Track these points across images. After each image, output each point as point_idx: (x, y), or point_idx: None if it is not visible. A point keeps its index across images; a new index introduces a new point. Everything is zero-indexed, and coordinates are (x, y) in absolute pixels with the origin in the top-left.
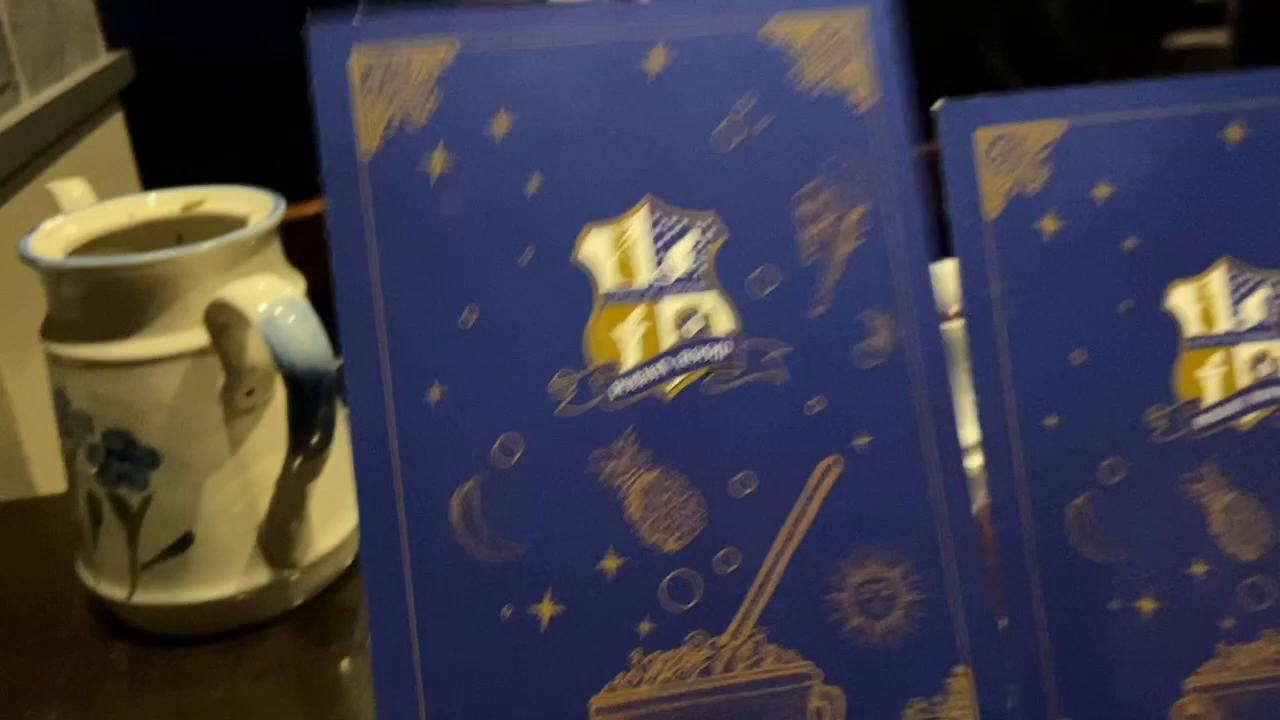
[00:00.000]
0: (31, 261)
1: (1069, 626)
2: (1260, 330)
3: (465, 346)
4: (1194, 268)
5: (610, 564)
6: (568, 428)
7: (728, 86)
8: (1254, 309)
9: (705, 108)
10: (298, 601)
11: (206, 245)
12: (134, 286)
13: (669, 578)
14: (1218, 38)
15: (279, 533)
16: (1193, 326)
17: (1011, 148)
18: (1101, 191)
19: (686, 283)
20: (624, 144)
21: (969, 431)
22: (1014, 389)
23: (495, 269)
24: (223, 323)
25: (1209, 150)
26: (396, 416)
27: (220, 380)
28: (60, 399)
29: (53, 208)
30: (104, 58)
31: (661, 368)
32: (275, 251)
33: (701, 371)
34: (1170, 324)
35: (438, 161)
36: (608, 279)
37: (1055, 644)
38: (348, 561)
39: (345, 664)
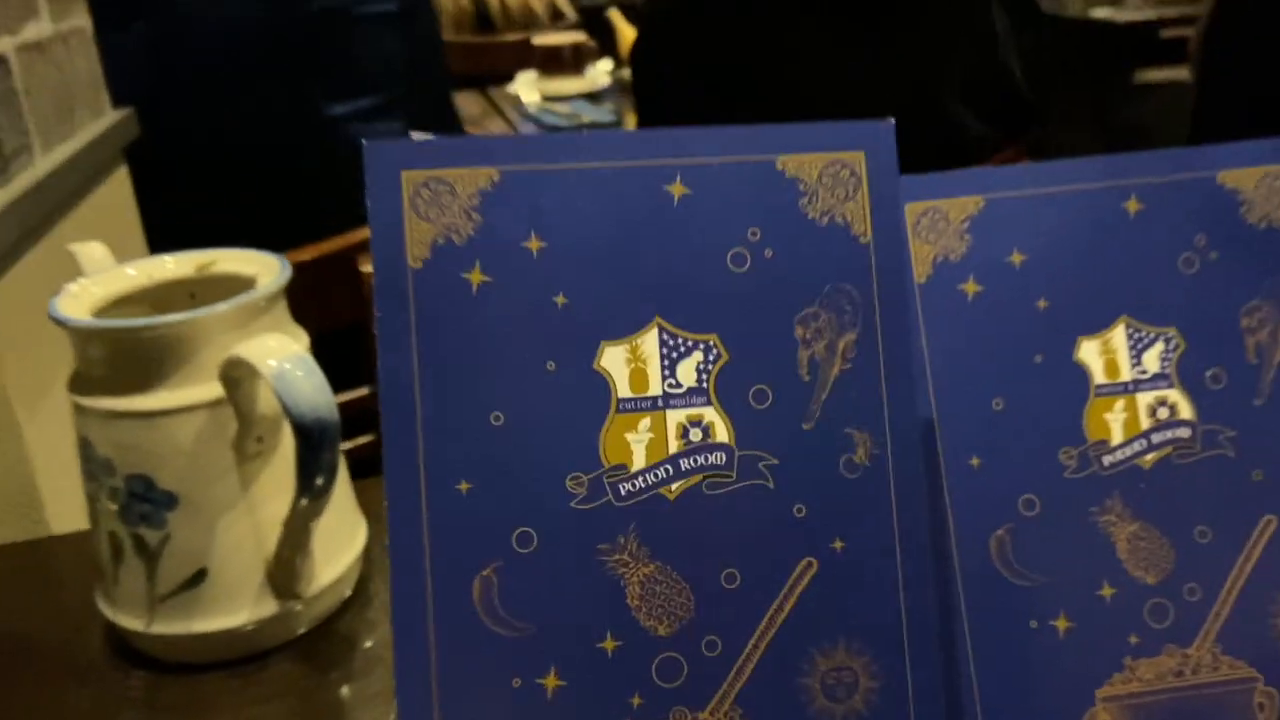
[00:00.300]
0: (61, 322)
1: (992, 644)
2: (1158, 379)
3: (493, 444)
4: (1098, 325)
5: (609, 644)
6: (579, 522)
7: (742, 214)
8: (1152, 361)
9: (719, 234)
10: (301, 630)
11: (221, 307)
12: (155, 344)
13: (659, 658)
14: (1181, 73)
15: (286, 567)
16: (1099, 376)
17: (937, 220)
18: (1016, 258)
19: (691, 396)
20: (640, 268)
21: None
22: (942, 433)
23: (523, 376)
24: (237, 377)
25: (1110, 221)
26: (428, 503)
27: (233, 429)
28: (85, 446)
29: (70, 264)
30: (110, 115)
31: (665, 472)
32: (282, 309)
33: (699, 477)
34: (1080, 374)
35: (476, 276)
36: (623, 389)
37: (979, 659)
38: (347, 593)
39: (346, 690)
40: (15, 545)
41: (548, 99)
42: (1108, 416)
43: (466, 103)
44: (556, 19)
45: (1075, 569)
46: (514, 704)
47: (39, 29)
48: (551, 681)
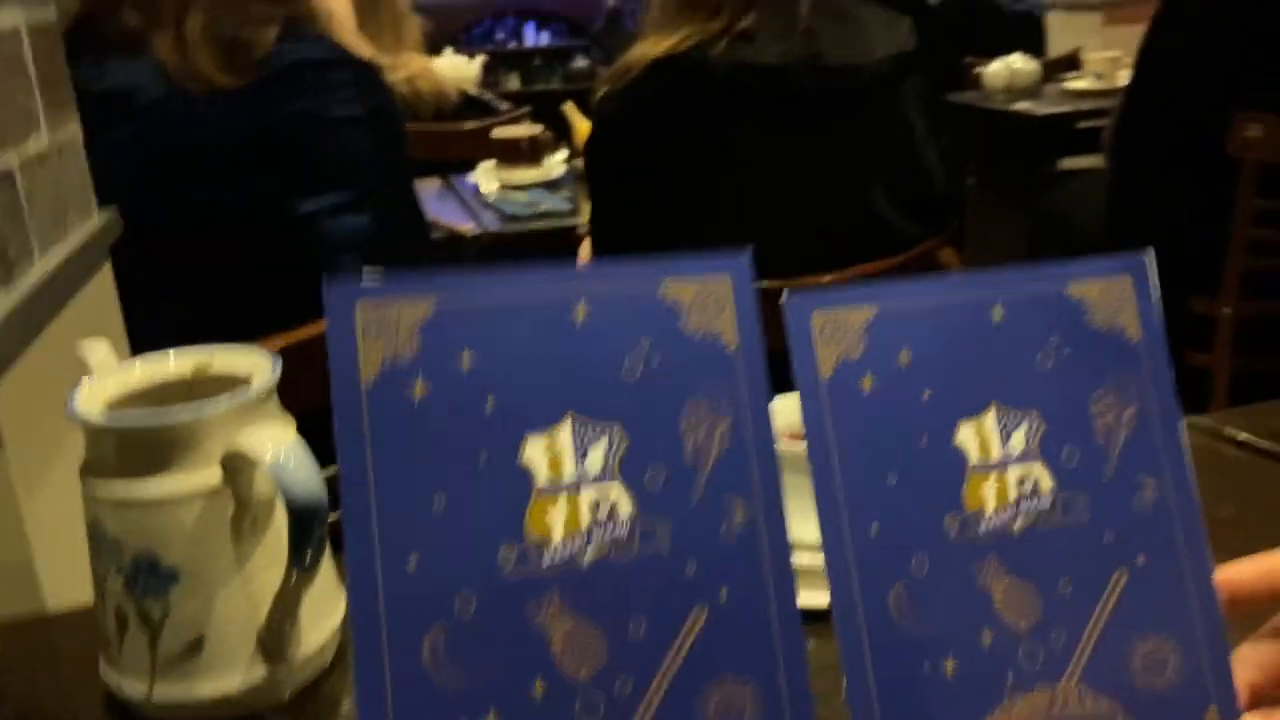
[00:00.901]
0: (81, 421)
1: (893, 683)
2: (1024, 456)
3: (436, 526)
4: (973, 410)
5: (538, 690)
6: (510, 588)
7: (632, 332)
8: (1018, 441)
9: (615, 348)
10: (289, 694)
11: (223, 405)
12: (163, 438)
13: (580, 700)
14: (1098, 161)
15: (277, 633)
16: (974, 456)
17: (838, 326)
18: (904, 357)
19: (599, 479)
20: (554, 374)
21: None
22: (845, 506)
23: (460, 467)
24: (237, 466)
25: (981, 325)
26: (383, 578)
27: (231, 510)
28: (95, 528)
29: (63, 358)
30: (97, 217)
31: (579, 543)
32: (274, 402)
33: (608, 546)
34: (958, 454)
35: (419, 388)
36: (542, 476)
37: (883, 699)
38: (330, 658)
39: None
40: (15, 623)
41: (506, 188)
42: (983, 490)
43: (428, 187)
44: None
45: (959, 619)
46: None
47: (39, 142)
48: None
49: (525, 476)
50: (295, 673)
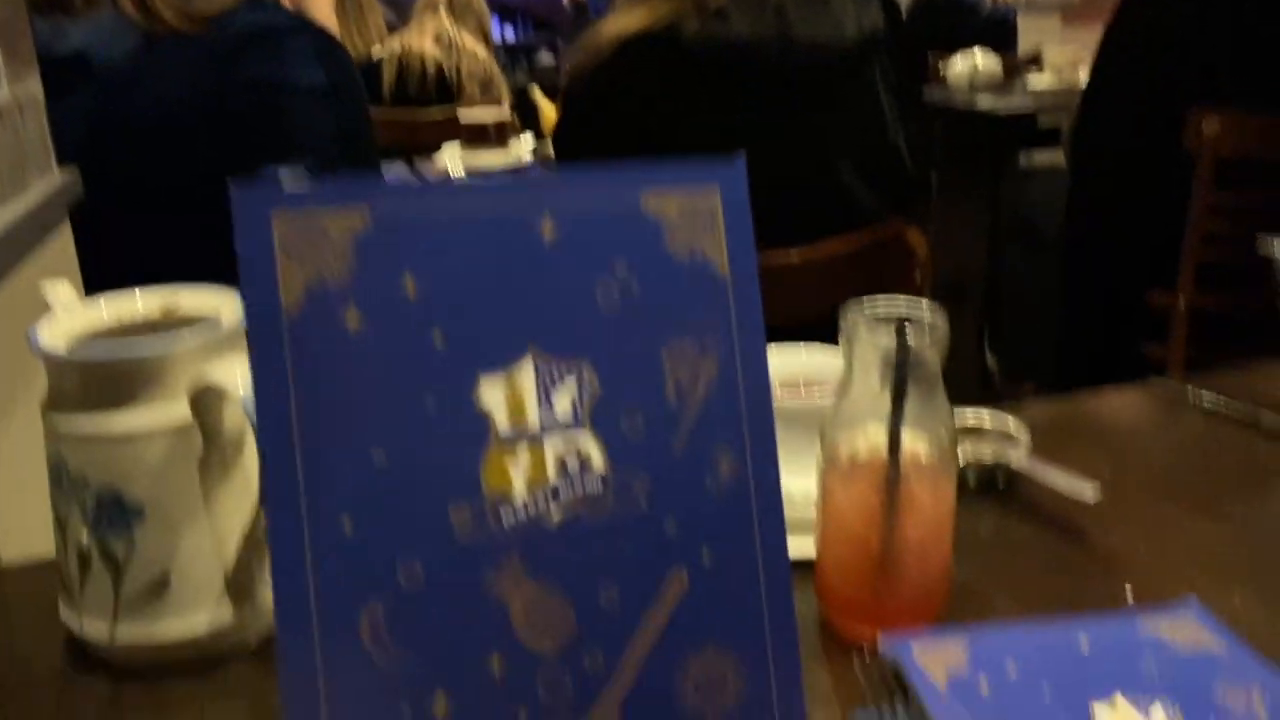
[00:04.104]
0: (42, 354)
1: None
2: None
3: (375, 482)
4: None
5: (496, 665)
6: (464, 553)
7: (608, 252)
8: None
9: (588, 270)
10: (257, 639)
11: (191, 339)
12: (129, 373)
13: (544, 675)
14: (1057, 157)
15: (244, 574)
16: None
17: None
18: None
19: (568, 427)
20: (514, 304)
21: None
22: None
23: (403, 414)
24: (205, 401)
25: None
26: (311, 542)
27: (198, 447)
28: (57, 465)
29: (21, 311)
30: (56, 175)
31: (545, 501)
32: (243, 340)
33: (578, 504)
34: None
35: (353, 319)
36: (502, 423)
37: None
38: None
39: None
40: None
41: (472, 172)
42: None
43: (393, 172)
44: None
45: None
46: None
47: (0, 96)
48: (441, 707)
49: (481, 423)
50: (263, 616)
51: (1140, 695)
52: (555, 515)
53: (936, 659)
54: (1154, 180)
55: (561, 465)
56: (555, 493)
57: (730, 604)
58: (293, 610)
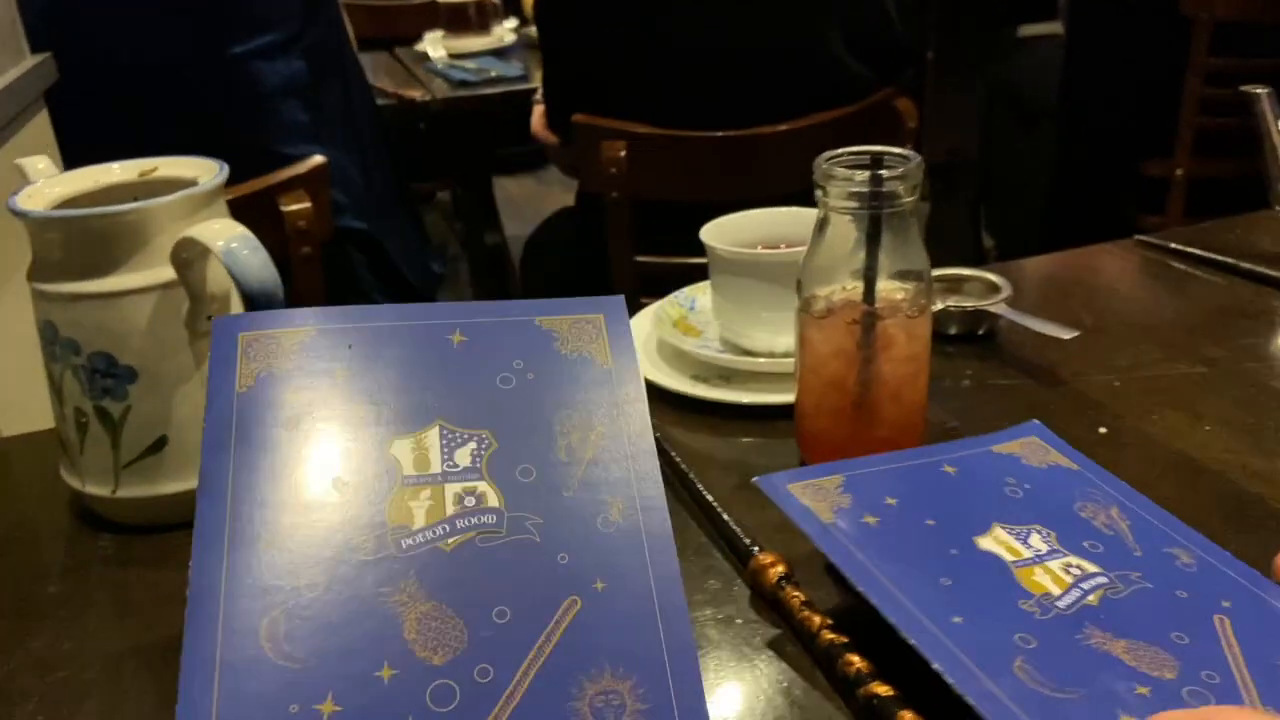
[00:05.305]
0: (21, 215)
1: None
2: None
3: (290, 514)
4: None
5: (385, 673)
6: (362, 569)
7: (508, 354)
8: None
9: (490, 366)
10: None
11: (172, 197)
12: (111, 232)
13: (433, 685)
14: (1055, 28)
15: None
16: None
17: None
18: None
19: (466, 474)
20: (427, 388)
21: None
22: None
23: (323, 463)
24: (187, 257)
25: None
26: (230, 559)
27: (185, 307)
28: (48, 330)
29: (16, 177)
30: (29, 59)
31: (442, 530)
32: (223, 206)
33: (473, 533)
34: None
35: (290, 394)
36: (408, 468)
37: None
38: None
39: None
40: None
41: (455, 56)
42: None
43: (372, 63)
44: None
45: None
46: None
47: None
48: (328, 707)
49: (390, 468)
50: None
51: (1016, 526)
52: (452, 540)
53: (818, 495)
54: (1152, 46)
55: (459, 500)
56: (453, 524)
57: (625, 628)
58: (201, 606)
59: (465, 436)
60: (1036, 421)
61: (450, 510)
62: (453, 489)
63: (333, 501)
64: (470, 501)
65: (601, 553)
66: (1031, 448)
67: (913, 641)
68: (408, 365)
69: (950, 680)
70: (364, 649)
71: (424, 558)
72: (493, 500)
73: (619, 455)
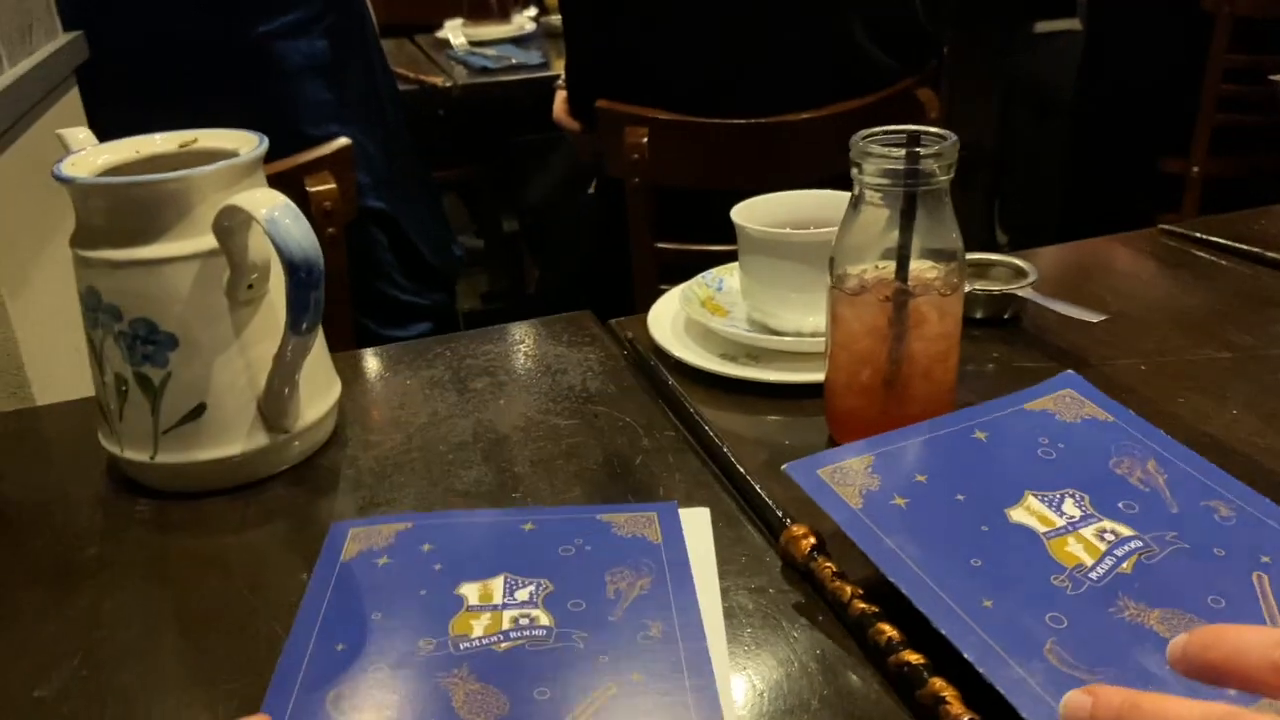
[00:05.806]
0: (67, 181)
1: None
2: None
3: (370, 636)
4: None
5: None
6: (423, 662)
7: (570, 534)
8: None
9: (554, 541)
10: (290, 462)
11: (215, 166)
12: (154, 200)
13: None
14: (1073, 24)
15: (276, 401)
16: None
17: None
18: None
19: (524, 605)
20: (498, 557)
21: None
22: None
23: (400, 597)
24: (229, 226)
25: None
26: (311, 653)
27: (226, 276)
28: (90, 296)
29: (40, 162)
30: (62, 37)
31: (498, 638)
32: (261, 177)
33: (523, 640)
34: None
35: (383, 561)
36: (473, 600)
37: None
38: (327, 433)
39: (331, 509)
40: (6, 414)
41: (475, 43)
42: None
43: (393, 49)
44: None
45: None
46: None
47: None
48: None
49: (458, 600)
50: (295, 441)
51: (1048, 492)
52: (505, 645)
53: (846, 479)
54: (1172, 43)
55: (515, 621)
56: (506, 634)
57: (658, 708)
58: (281, 682)
59: (526, 582)
60: (1071, 372)
61: (506, 626)
62: (510, 613)
63: (403, 620)
64: (524, 621)
65: (641, 657)
66: (1065, 401)
67: (944, 630)
68: (484, 544)
69: (981, 669)
70: (416, 713)
71: (478, 655)
72: (544, 621)
73: (664, 595)
